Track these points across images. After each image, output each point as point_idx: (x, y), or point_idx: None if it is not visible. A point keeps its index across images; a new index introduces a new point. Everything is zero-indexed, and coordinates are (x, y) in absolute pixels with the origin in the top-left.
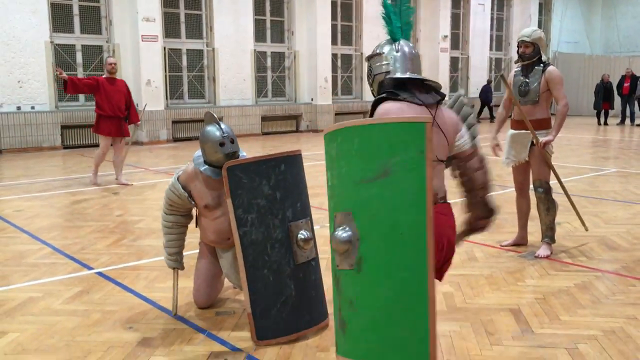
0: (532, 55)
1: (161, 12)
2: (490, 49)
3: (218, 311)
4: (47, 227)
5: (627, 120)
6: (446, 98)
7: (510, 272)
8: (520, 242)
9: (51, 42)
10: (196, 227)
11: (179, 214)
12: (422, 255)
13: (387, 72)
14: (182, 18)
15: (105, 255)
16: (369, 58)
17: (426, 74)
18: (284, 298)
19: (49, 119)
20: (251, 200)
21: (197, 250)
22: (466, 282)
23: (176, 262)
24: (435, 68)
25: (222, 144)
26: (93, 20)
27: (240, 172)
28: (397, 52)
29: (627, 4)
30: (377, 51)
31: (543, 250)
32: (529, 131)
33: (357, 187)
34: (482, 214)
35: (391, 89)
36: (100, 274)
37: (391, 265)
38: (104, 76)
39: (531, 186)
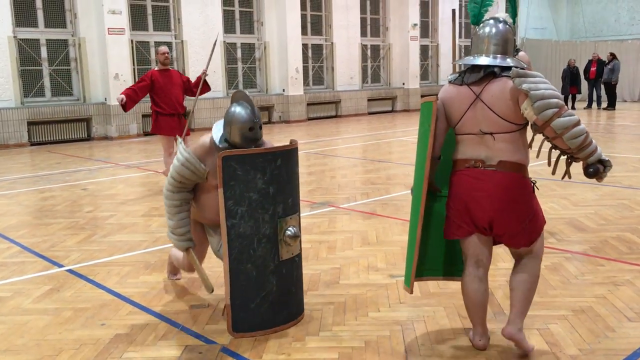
0: None
1: (127, 5)
2: (460, 36)
3: (193, 304)
4: (15, 226)
5: (594, 104)
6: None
7: None
8: None
9: (14, 37)
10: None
11: (187, 190)
12: (418, 204)
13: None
14: (149, 10)
15: (75, 252)
16: None
17: (396, 62)
18: (264, 293)
19: (14, 116)
20: (243, 193)
21: (162, 246)
22: None
23: (189, 241)
24: (406, 56)
25: (251, 129)
26: (57, 13)
27: (235, 163)
28: (473, 35)
29: None
30: None
31: None
32: None
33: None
34: (585, 172)
35: (456, 72)
36: (70, 271)
37: (411, 210)
38: (156, 68)
39: None
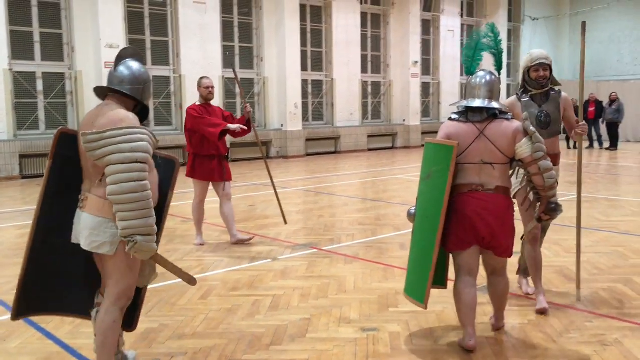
0: (548, 81)
1: (126, 39)
2: (461, 74)
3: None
4: None
5: (596, 144)
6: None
7: None
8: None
9: (10, 69)
10: None
11: None
12: (434, 233)
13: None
14: (148, 44)
15: None
16: None
17: (397, 99)
18: None
19: (6, 148)
20: None
21: None
22: (416, 321)
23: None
24: (407, 93)
25: None
26: (54, 47)
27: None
28: (467, 83)
29: (594, 30)
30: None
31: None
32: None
33: (420, 182)
34: (544, 209)
35: (456, 111)
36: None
37: (420, 236)
38: (197, 103)
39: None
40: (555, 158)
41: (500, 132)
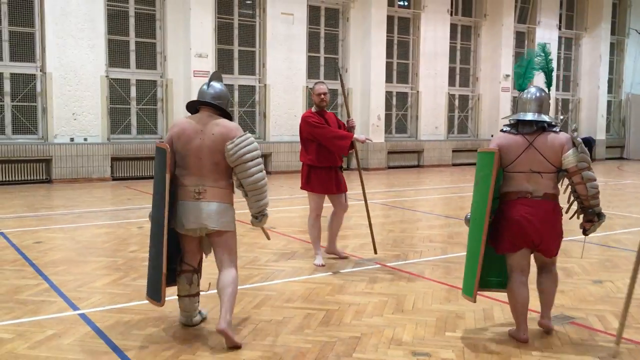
0: None
1: (214, 49)
2: (557, 89)
3: None
4: (56, 262)
5: None
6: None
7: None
8: None
9: (107, 76)
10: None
11: None
12: (480, 233)
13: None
14: (236, 54)
15: (97, 294)
16: None
17: (486, 113)
18: None
19: (100, 151)
20: None
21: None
22: (472, 348)
23: None
24: (496, 107)
25: None
26: (148, 55)
27: None
28: (518, 98)
29: None
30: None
31: None
32: None
33: (473, 189)
34: (585, 218)
35: (506, 124)
36: (82, 315)
37: (472, 235)
38: (312, 110)
39: None
40: None
41: (548, 143)
